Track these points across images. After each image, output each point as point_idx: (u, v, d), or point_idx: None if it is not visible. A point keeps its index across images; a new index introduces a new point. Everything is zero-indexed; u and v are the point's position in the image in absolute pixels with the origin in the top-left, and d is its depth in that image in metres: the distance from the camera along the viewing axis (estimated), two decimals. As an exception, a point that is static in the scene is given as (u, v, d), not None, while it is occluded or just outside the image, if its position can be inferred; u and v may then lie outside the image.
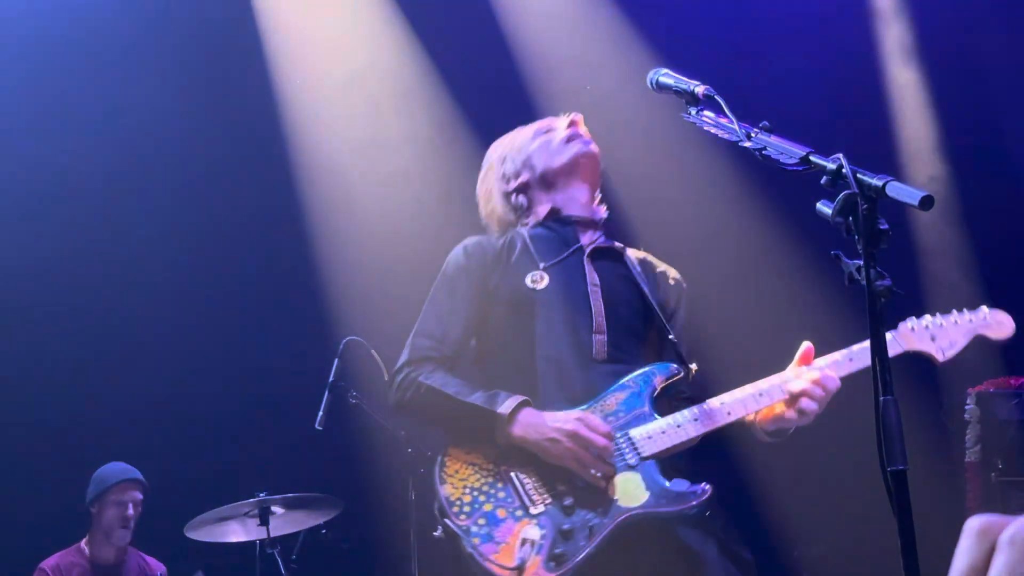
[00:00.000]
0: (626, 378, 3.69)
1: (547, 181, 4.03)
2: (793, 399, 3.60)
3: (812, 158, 2.81)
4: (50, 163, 7.67)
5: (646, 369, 3.72)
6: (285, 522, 6.42)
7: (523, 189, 4.07)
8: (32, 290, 7.74)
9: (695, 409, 3.63)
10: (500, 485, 3.58)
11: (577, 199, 4.01)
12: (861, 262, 2.56)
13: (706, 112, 3.27)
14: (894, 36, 7.94)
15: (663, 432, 3.59)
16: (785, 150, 2.89)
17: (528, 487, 3.56)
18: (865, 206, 2.55)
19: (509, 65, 7.91)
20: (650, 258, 4.11)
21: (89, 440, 7.44)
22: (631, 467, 3.55)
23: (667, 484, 3.53)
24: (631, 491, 3.52)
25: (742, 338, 7.71)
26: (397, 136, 7.97)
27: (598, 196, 4.10)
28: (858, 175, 2.61)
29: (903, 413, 2.54)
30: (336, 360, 6.21)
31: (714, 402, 3.63)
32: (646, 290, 3.89)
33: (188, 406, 7.76)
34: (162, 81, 7.70)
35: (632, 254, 4.06)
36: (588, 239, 3.98)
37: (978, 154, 7.98)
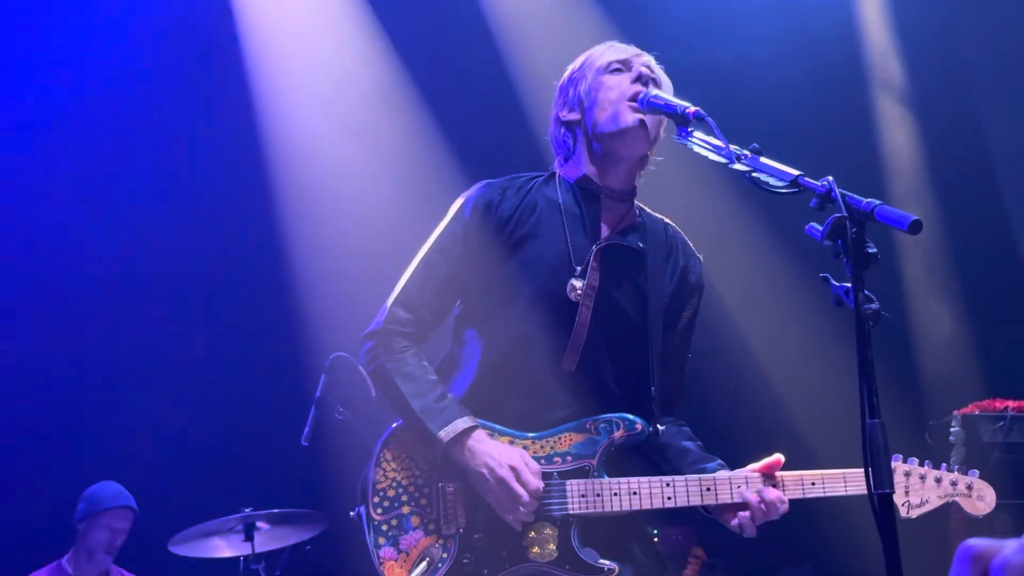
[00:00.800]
0: (587, 420, 3.58)
1: (593, 138, 3.69)
2: (736, 507, 3.54)
3: (801, 181, 2.82)
4: (16, 173, 7.63)
5: (611, 416, 3.59)
6: (270, 538, 6.40)
7: (572, 127, 3.77)
8: (17, 304, 7.71)
9: (640, 483, 3.52)
10: (426, 491, 3.55)
11: (616, 172, 3.71)
12: (850, 285, 2.57)
13: (696, 133, 3.27)
14: (881, 64, 7.99)
15: (598, 495, 3.51)
16: (775, 172, 2.90)
17: (450, 504, 3.52)
18: (854, 229, 2.57)
19: (489, 75, 7.93)
20: (679, 243, 3.85)
21: (74, 454, 7.41)
22: (553, 519, 3.51)
23: (578, 550, 3.50)
24: (543, 543, 3.50)
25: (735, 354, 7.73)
26: (379, 149, 7.96)
27: (642, 168, 3.78)
28: (847, 199, 2.62)
29: (888, 435, 2.56)
30: (323, 376, 6.20)
31: (658, 483, 3.52)
32: (651, 304, 3.69)
33: (174, 420, 7.74)
34: (140, 94, 7.68)
35: (657, 239, 3.78)
36: (612, 222, 3.72)
37: (961, 170, 8.02)
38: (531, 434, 3.58)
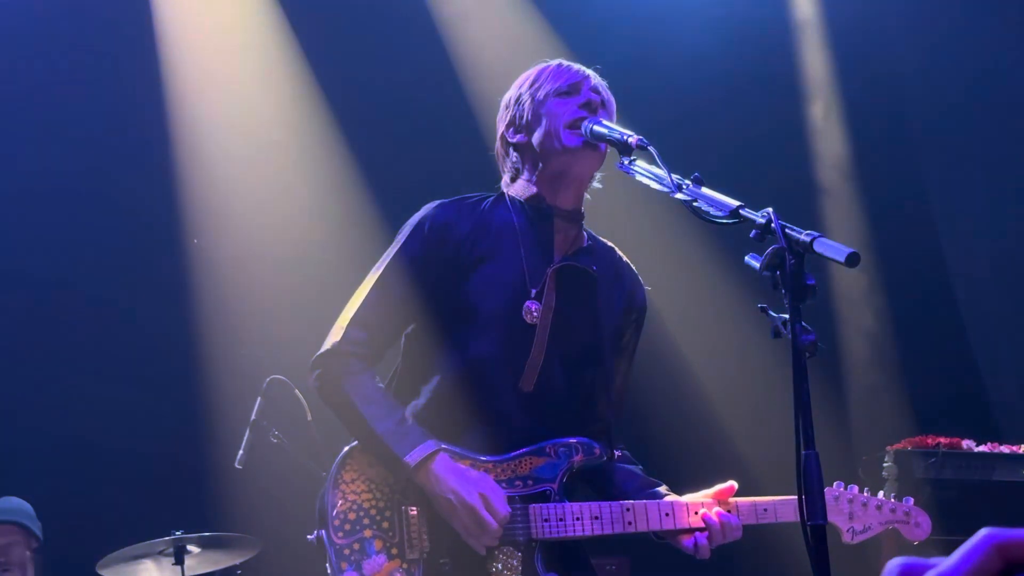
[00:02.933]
0: (547, 444, 3.57)
1: (541, 159, 3.65)
2: (691, 531, 3.58)
3: (742, 212, 2.84)
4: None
5: (571, 441, 3.59)
6: (201, 562, 6.32)
7: (520, 149, 3.71)
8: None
9: (601, 507, 3.54)
10: (388, 515, 3.49)
11: (566, 193, 3.67)
12: (787, 316, 2.59)
13: (639, 162, 3.29)
14: (820, 105, 8.07)
15: (561, 520, 3.50)
16: (716, 203, 2.92)
17: (413, 528, 3.47)
18: (792, 261, 2.59)
19: (407, 88, 7.94)
20: (626, 268, 3.86)
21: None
22: (517, 544, 3.49)
23: (542, 574, 3.49)
24: (508, 568, 3.48)
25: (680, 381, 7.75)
26: (303, 169, 7.92)
27: (588, 189, 3.74)
28: (787, 230, 2.65)
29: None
30: (259, 398, 6.14)
31: (619, 508, 3.54)
32: (602, 326, 3.70)
33: (104, 439, 7.62)
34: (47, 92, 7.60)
35: (607, 263, 3.78)
36: (564, 243, 3.69)
37: (897, 204, 8.11)
38: (492, 457, 3.55)
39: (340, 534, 3.45)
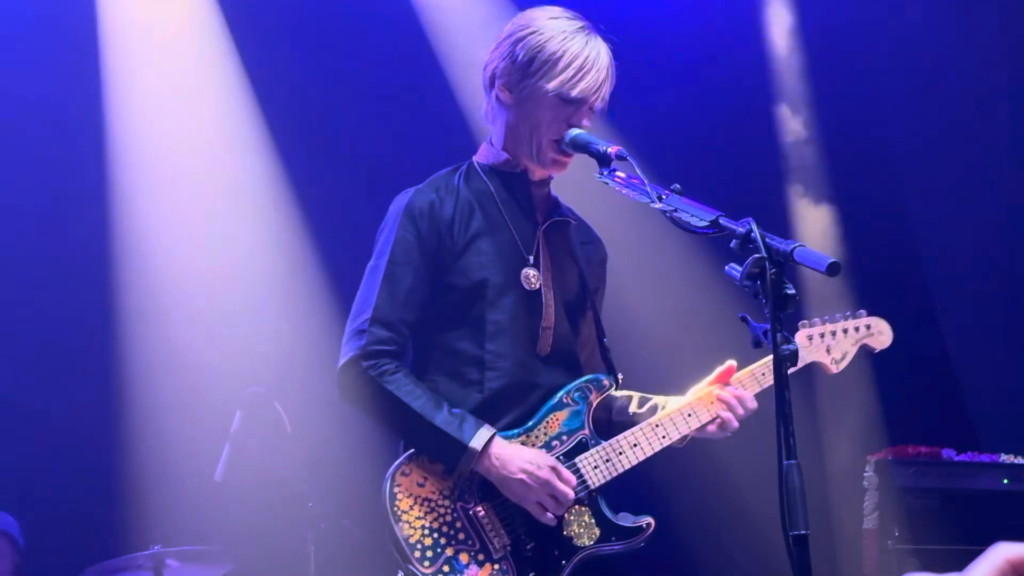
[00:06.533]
0: (562, 393, 3.60)
1: (514, 140, 3.67)
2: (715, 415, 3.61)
3: (722, 221, 2.85)
4: None
5: (580, 383, 3.63)
6: (179, 576, 6.30)
7: (502, 105, 3.67)
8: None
9: (635, 434, 3.56)
10: (458, 525, 3.45)
11: (536, 171, 3.70)
12: (768, 326, 2.59)
13: (618, 172, 3.29)
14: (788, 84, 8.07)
15: (607, 460, 3.53)
16: (696, 212, 2.92)
17: (487, 527, 3.46)
18: (773, 270, 2.59)
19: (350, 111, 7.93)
20: (583, 224, 3.90)
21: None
22: (580, 501, 3.51)
23: (615, 519, 3.53)
24: (583, 527, 3.50)
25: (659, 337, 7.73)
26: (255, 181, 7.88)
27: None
28: (767, 240, 2.65)
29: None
30: (238, 411, 6.12)
31: (647, 427, 3.57)
32: (586, 274, 3.77)
33: (83, 452, 7.58)
34: None
35: (574, 217, 3.84)
36: (541, 201, 3.74)
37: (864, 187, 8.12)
38: (520, 429, 3.56)
39: (426, 563, 3.39)
